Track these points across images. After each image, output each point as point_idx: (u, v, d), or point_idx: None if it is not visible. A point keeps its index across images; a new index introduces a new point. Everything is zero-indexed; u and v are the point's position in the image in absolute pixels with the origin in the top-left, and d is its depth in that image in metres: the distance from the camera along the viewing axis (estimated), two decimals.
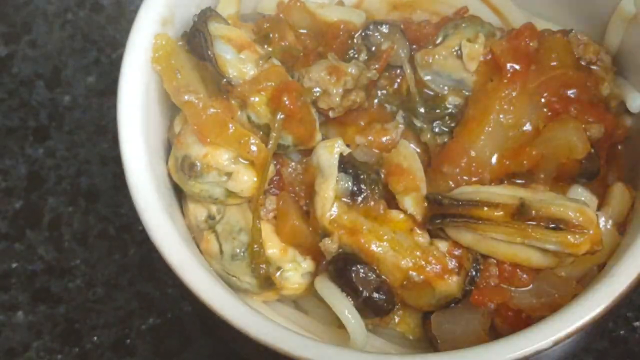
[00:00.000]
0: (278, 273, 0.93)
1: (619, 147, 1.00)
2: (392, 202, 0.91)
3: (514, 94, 0.92)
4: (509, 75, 0.92)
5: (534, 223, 0.85)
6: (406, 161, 0.91)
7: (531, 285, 0.88)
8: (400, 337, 0.94)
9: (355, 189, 0.90)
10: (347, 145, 0.94)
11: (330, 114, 0.95)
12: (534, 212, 0.85)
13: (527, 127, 0.92)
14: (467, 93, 0.96)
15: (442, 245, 0.89)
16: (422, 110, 0.97)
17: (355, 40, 0.99)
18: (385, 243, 0.88)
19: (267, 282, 0.92)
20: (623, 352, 1.12)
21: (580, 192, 0.94)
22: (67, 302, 1.16)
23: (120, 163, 0.91)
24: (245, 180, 0.91)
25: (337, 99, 0.94)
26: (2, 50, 1.33)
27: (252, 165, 0.91)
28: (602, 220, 0.92)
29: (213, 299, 0.85)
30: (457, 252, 0.88)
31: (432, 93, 0.97)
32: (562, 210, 0.85)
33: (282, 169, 0.94)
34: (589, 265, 0.92)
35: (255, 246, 0.91)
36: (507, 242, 0.86)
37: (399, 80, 0.99)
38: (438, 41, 0.98)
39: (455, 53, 0.96)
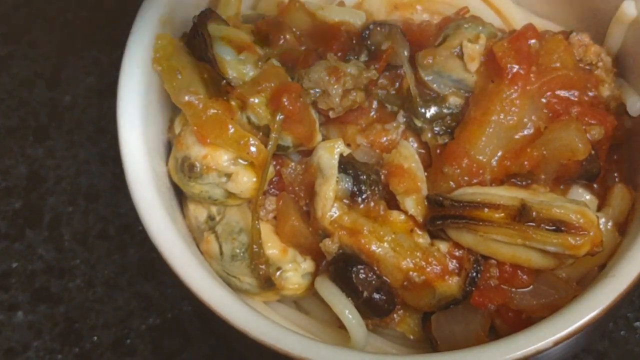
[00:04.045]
0: (278, 273, 0.92)
1: (619, 148, 1.00)
2: (392, 202, 0.90)
3: (514, 95, 0.92)
4: (509, 76, 0.92)
5: (534, 224, 0.85)
6: (407, 162, 0.91)
7: (531, 286, 0.88)
8: (401, 337, 0.94)
9: (355, 189, 0.90)
10: (348, 146, 0.94)
11: (330, 114, 0.95)
12: (534, 213, 0.84)
13: (528, 128, 0.92)
14: (467, 94, 0.96)
15: (443, 246, 0.88)
16: (422, 110, 0.96)
17: (355, 41, 0.99)
18: (385, 244, 0.88)
19: (267, 283, 0.92)
20: (623, 352, 1.12)
21: (580, 193, 0.94)
22: (67, 302, 1.16)
23: (120, 163, 0.90)
24: (245, 181, 0.91)
25: (337, 99, 0.93)
26: (2, 50, 1.33)
27: (251, 166, 0.90)
28: (602, 221, 0.92)
29: (213, 299, 0.85)
30: (457, 253, 0.88)
31: (432, 93, 0.97)
32: (562, 212, 0.85)
33: (282, 169, 0.94)
34: (589, 266, 0.92)
35: (255, 247, 0.91)
36: (507, 243, 0.86)
37: (399, 81, 0.99)
38: (439, 41, 0.98)
39: (456, 53, 0.96)
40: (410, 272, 0.87)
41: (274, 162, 0.93)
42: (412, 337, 0.93)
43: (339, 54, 0.98)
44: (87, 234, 1.20)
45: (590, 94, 0.94)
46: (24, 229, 1.21)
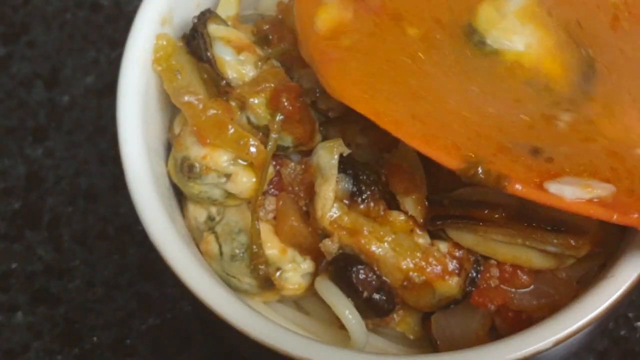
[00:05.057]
0: (277, 273, 0.92)
1: None
2: (392, 202, 0.90)
3: None
4: None
5: (534, 224, 0.85)
6: (407, 161, 0.91)
7: (532, 286, 0.88)
8: (401, 337, 0.94)
9: (355, 189, 0.90)
10: (348, 146, 0.94)
11: (330, 114, 0.95)
12: (534, 213, 0.84)
13: None
14: None
15: (443, 246, 0.88)
16: None
17: None
18: (385, 244, 0.88)
19: (267, 283, 0.92)
20: (624, 352, 1.12)
21: None
22: (67, 303, 1.16)
23: (120, 163, 0.90)
24: (244, 181, 0.90)
25: None
26: (0, 50, 1.33)
27: (251, 167, 0.90)
28: None
29: (213, 299, 0.85)
30: (457, 253, 0.88)
31: None
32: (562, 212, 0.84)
33: (282, 169, 0.94)
34: (589, 266, 0.92)
35: (254, 247, 0.91)
36: (507, 243, 0.86)
37: None
38: None
39: None
40: (410, 272, 0.87)
41: (274, 162, 0.93)
42: (412, 337, 0.93)
43: None
44: (87, 235, 1.20)
45: None
46: (23, 229, 1.21)
